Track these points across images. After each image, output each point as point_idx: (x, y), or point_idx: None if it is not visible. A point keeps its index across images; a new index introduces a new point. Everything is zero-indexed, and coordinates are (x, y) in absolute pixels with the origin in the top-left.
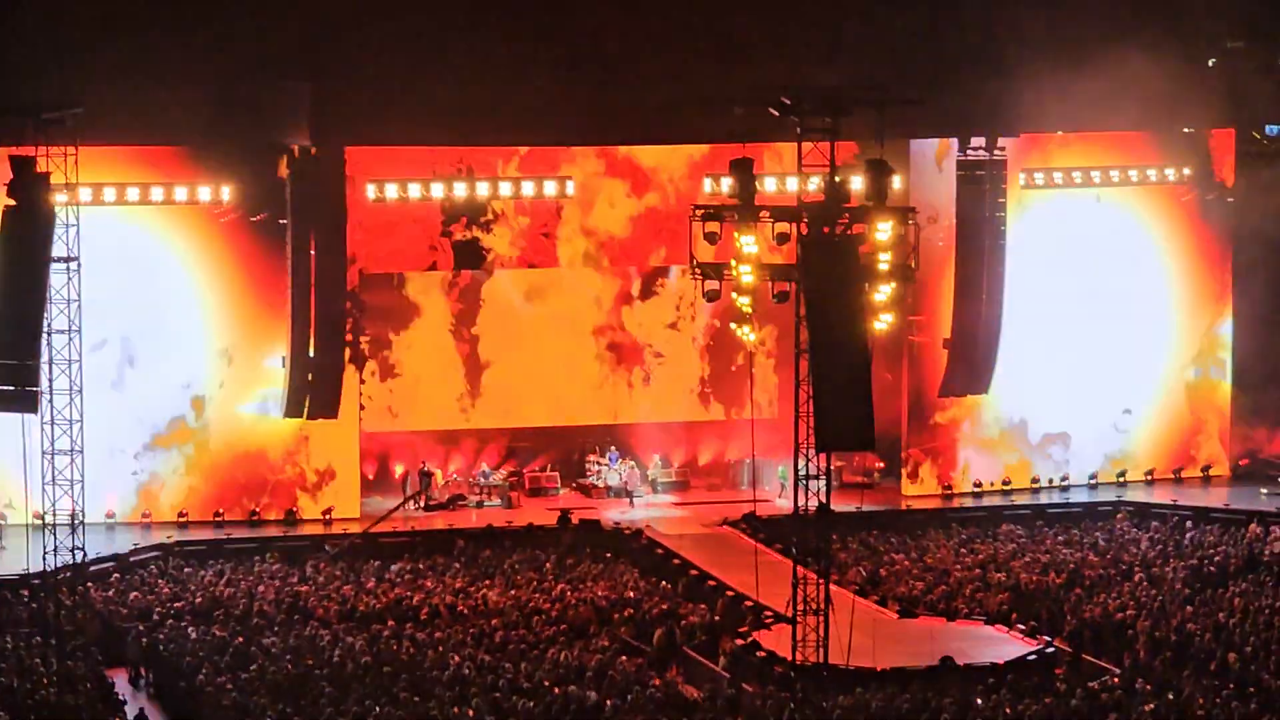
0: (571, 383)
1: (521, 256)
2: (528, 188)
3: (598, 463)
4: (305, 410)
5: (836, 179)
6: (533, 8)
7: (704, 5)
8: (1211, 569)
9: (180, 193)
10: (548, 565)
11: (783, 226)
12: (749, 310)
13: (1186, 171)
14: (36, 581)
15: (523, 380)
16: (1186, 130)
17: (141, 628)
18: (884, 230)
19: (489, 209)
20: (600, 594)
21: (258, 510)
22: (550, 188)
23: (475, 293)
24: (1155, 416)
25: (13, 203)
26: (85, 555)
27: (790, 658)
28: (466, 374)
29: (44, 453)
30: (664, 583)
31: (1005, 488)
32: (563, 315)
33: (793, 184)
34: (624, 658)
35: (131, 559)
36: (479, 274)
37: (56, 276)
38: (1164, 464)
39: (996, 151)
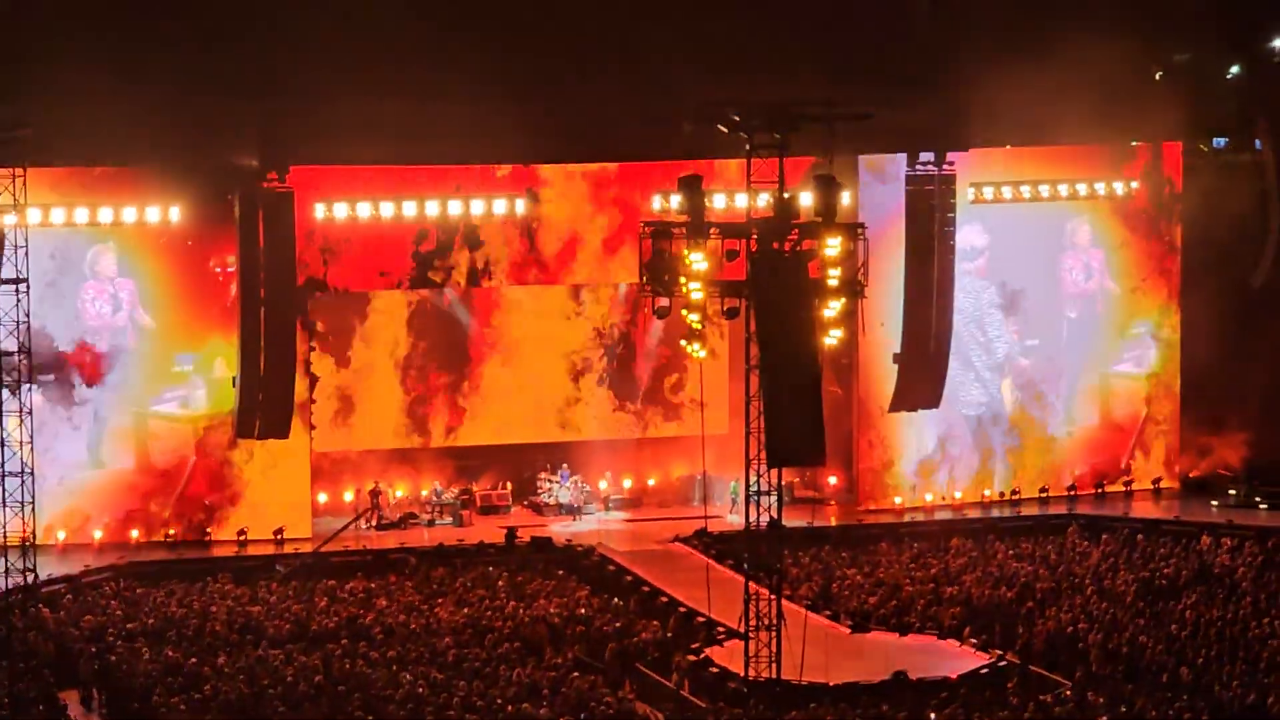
0: (523, 400)
1: (482, 274)
2: (477, 206)
3: (549, 480)
4: (257, 430)
5: (785, 195)
6: (484, 29)
7: (653, 25)
8: (1163, 581)
9: (129, 214)
10: (500, 583)
11: (732, 243)
12: (699, 326)
13: (1134, 184)
14: None
15: (477, 398)
16: (1134, 143)
17: (94, 649)
18: (833, 246)
19: (454, 228)
20: (553, 611)
21: (209, 531)
22: (500, 206)
23: (431, 311)
24: (1102, 428)
25: None
26: (37, 577)
27: (743, 674)
28: (418, 393)
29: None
30: (616, 600)
31: (957, 501)
32: (517, 333)
33: (742, 200)
34: (577, 675)
35: (83, 580)
36: (436, 292)
37: (5, 298)
38: (1112, 475)
39: (945, 166)
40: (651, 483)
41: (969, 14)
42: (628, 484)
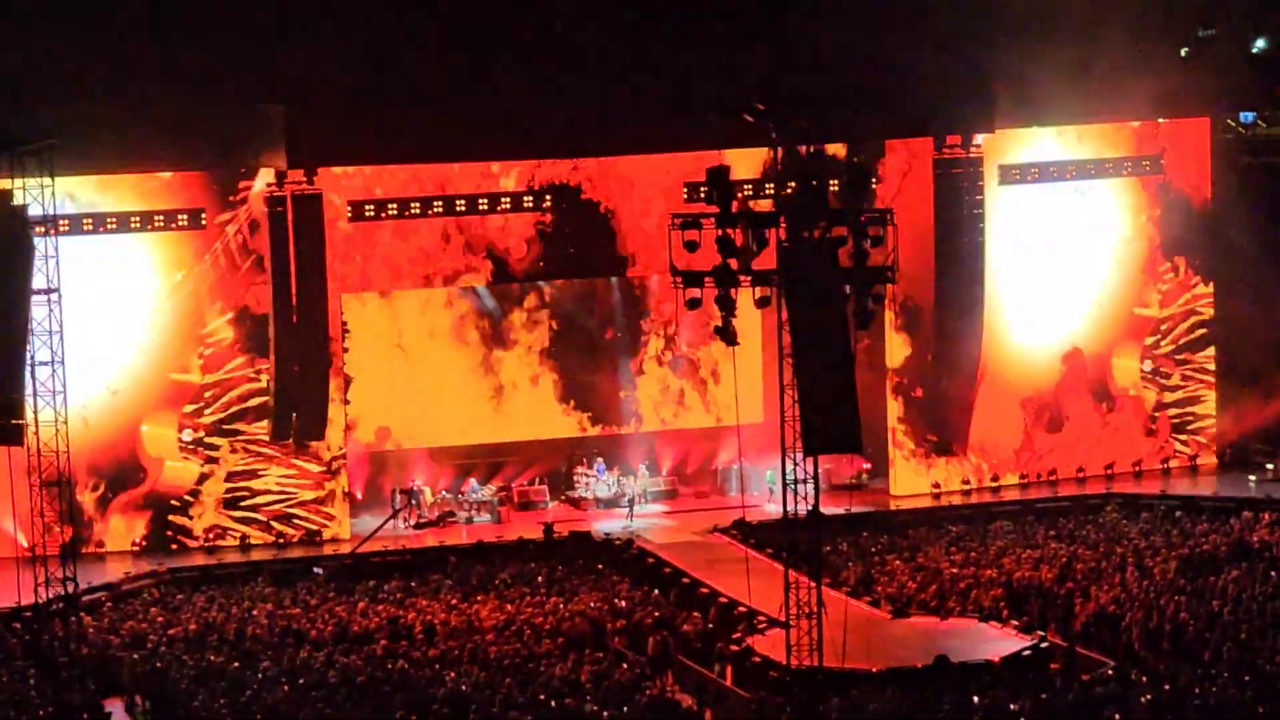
0: (555, 394)
1: (515, 269)
2: (506, 202)
3: (585, 474)
4: (293, 433)
5: (813, 182)
6: (501, 25)
7: (675, 14)
8: (1202, 558)
9: (158, 220)
10: (539, 579)
11: (762, 232)
12: (731, 316)
13: (1163, 161)
14: (29, 614)
15: (511, 394)
16: (1161, 120)
17: (136, 656)
18: (862, 232)
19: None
20: (593, 606)
21: (247, 535)
22: (529, 201)
23: (464, 308)
24: (1142, 408)
25: None
26: (77, 586)
27: (785, 662)
28: (457, 390)
29: (31, 485)
30: (656, 592)
31: (994, 484)
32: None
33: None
34: (619, 668)
35: (123, 588)
36: (470, 289)
37: (38, 309)
38: (1151, 455)
39: (973, 148)
40: (690, 469)
41: None
42: (664, 474)
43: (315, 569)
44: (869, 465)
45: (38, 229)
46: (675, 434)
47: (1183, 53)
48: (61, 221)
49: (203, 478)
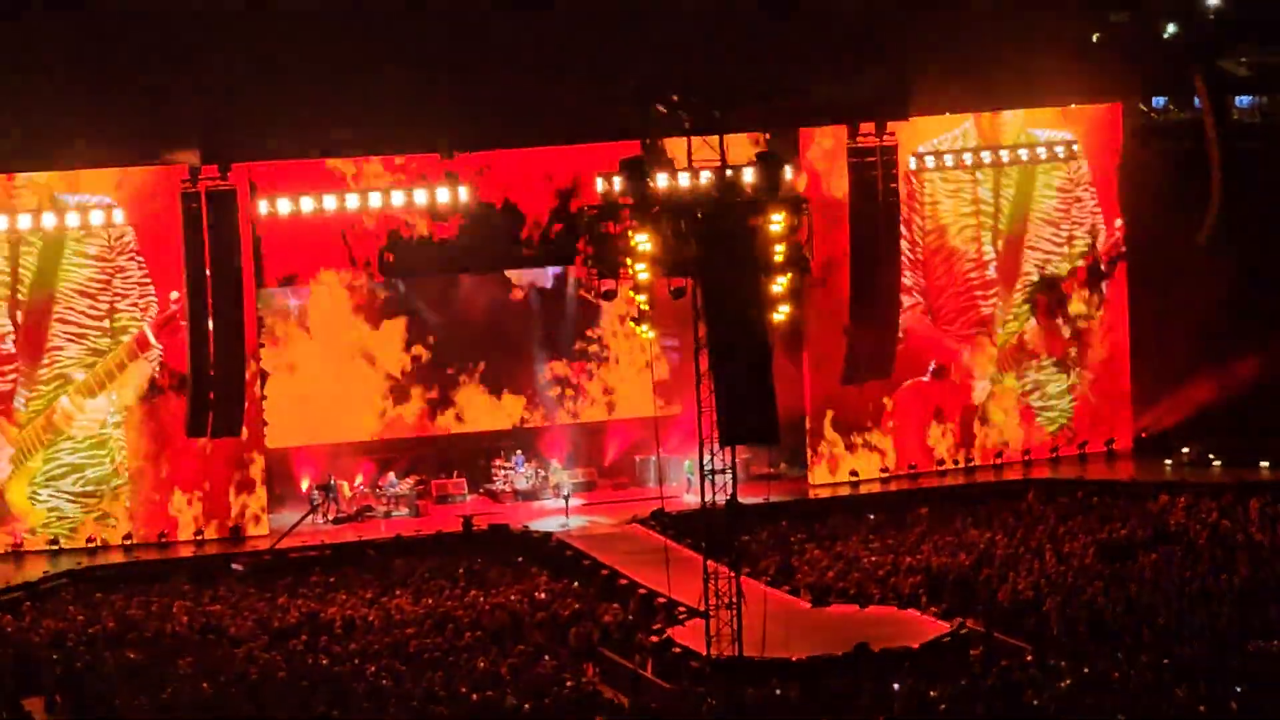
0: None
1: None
2: (420, 196)
3: (503, 467)
4: (209, 429)
5: (728, 173)
6: (419, 11)
7: (589, 6)
8: (1120, 543)
9: (72, 218)
10: (459, 572)
11: (677, 223)
12: (646, 307)
13: (1076, 147)
14: None
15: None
16: (1073, 106)
17: (55, 655)
18: (777, 222)
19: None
20: (513, 598)
21: (165, 532)
22: (443, 195)
23: (378, 301)
24: (1055, 392)
25: None
26: None
27: (705, 653)
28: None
29: None
30: (576, 583)
31: (912, 472)
32: (463, 319)
33: (684, 180)
34: (539, 661)
35: (42, 587)
36: (386, 282)
37: None
38: (1067, 440)
39: (886, 136)
40: (606, 465)
41: None
42: (581, 466)
43: (234, 565)
44: (786, 455)
45: None
46: (592, 426)
47: (1095, 37)
48: None
49: None
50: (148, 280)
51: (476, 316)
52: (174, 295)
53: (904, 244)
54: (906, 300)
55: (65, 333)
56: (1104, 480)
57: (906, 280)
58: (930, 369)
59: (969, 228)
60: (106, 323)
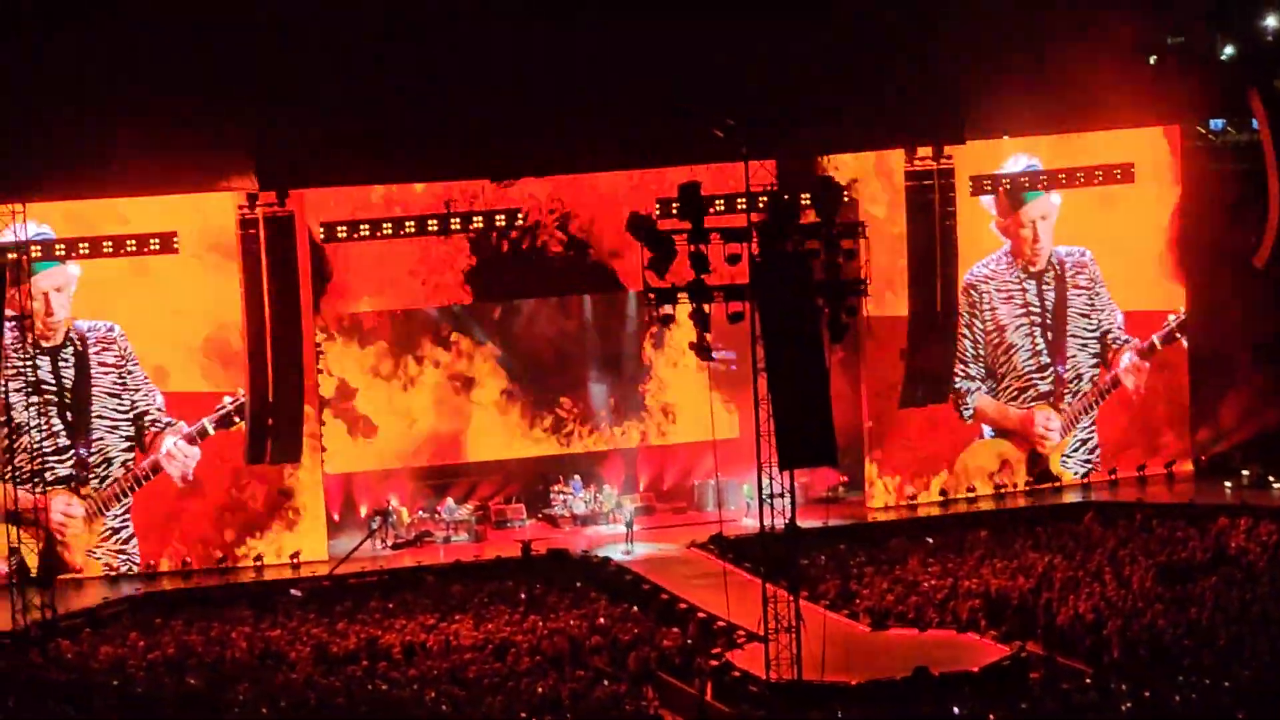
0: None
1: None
2: (478, 221)
3: (562, 491)
4: (268, 455)
5: (785, 197)
6: (469, 44)
7: (644, 33)
8: (1180, 565)
9: (130, 244)
10: (518, 598)
11: (734, 247)
12: (705, 332)
13: (1134, 169)
14: (7, 641)
15: (488, 413)
16: (1131, 129)
17: (115, 681)
18: (834, 245)
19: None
20: (572, 623)
21: (225, 557)
22: (500, 220)
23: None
24: (1116, 414)
25: None
26: (55, 612)
27: (764, 676)
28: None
29: (7, 510)
30: (635, 608)
31: (970, 494)
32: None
33: (741, 204)
34: (599, 686)
35: (101, 613)
36: (446, 308)
37: (11, 334)
38: (1126, 462)
39: (943, 160)
40: (665, 489)
41: (960, 6)
42: (640, 491)
43: (293, 591)
44: (845, 478)
45: (9, 255)
46: (651, 450)
47: (1151, 60)
48: (34, 247)
49: None
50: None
51: (535, 340)
52: (227, 400)
53: (967, 343)
54: (970, 384)
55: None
56: (1164, 503)
57: (971, 370)
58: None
59: (1023, 325)
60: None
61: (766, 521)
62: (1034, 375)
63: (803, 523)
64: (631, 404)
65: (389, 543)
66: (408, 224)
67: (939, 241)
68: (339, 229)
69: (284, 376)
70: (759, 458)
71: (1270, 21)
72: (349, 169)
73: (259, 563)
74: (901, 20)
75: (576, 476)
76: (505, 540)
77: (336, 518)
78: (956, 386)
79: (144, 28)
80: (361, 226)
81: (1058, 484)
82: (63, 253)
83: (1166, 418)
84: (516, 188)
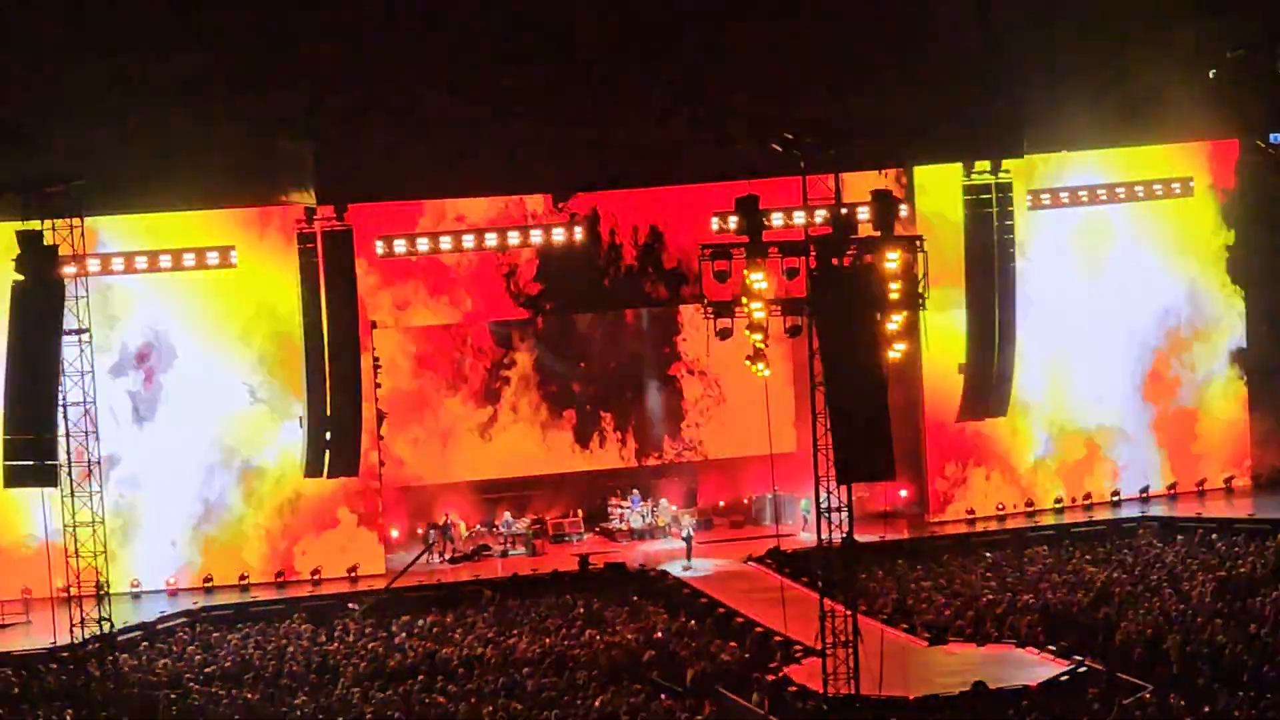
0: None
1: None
2: (536, 236)
3: (619, 506)
4: (325, 469)
5: (842, 210)
6: (534, 55)
7: (700, 46)
8: (1240, 580)
9: (188, 258)
10: (576, 611)
11: (791, 261)
12: (762, 346)
13: (1192, 183)
14: (65, 654)
15: (543, 427)
16: (1190, 143)
17: (173, 695)
18: (892, 259)
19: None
20: (630, 637)
21: (283, 572)
22: (558, 235)
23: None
24: (1175, 428)
25: (21, 278)
26: (113, 625)
27: (822, 691)
28: (489, 424)
29: (65, 525)
30: (692, 622)
31: (1029, 509)
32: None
33: (799, 218)
34: (660, 698)
35: (159, 626)
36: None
37: (68, 349)
38: (1185, 476)
39: (1001, 174)
40: (722, 504)
41: (1018, 21)
42: (697, 505)
43: (350, 604)
44: (906, 492)
45: (67, 269)
46: (708, 464)
47: (1211, 74)
48: (91, 261)
49: None
50: None
51: (592, 354)
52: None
53: None
54: None
55: None
56: (1223, 517)
57: None
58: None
59: None
60: None
61: (824, 535)
62: None
63: (860, 537)
64: (688, 418)
65: (446, 556)
66: (466, 238)
67: (997, 254)
68: (397, 242)
69: (342, 390)
70: (816, 472)
71: None
72: (407, 183)
73: (316, 576)
74: (964, 35)
75: (635, 490)
76: (562, 554)
77: (395, 532)
78: None
79: (206, 44)
80: (420, 240)
81: (1117, 498)
82: (121, 268)
83: (1226, 432)
84: (575, 202)
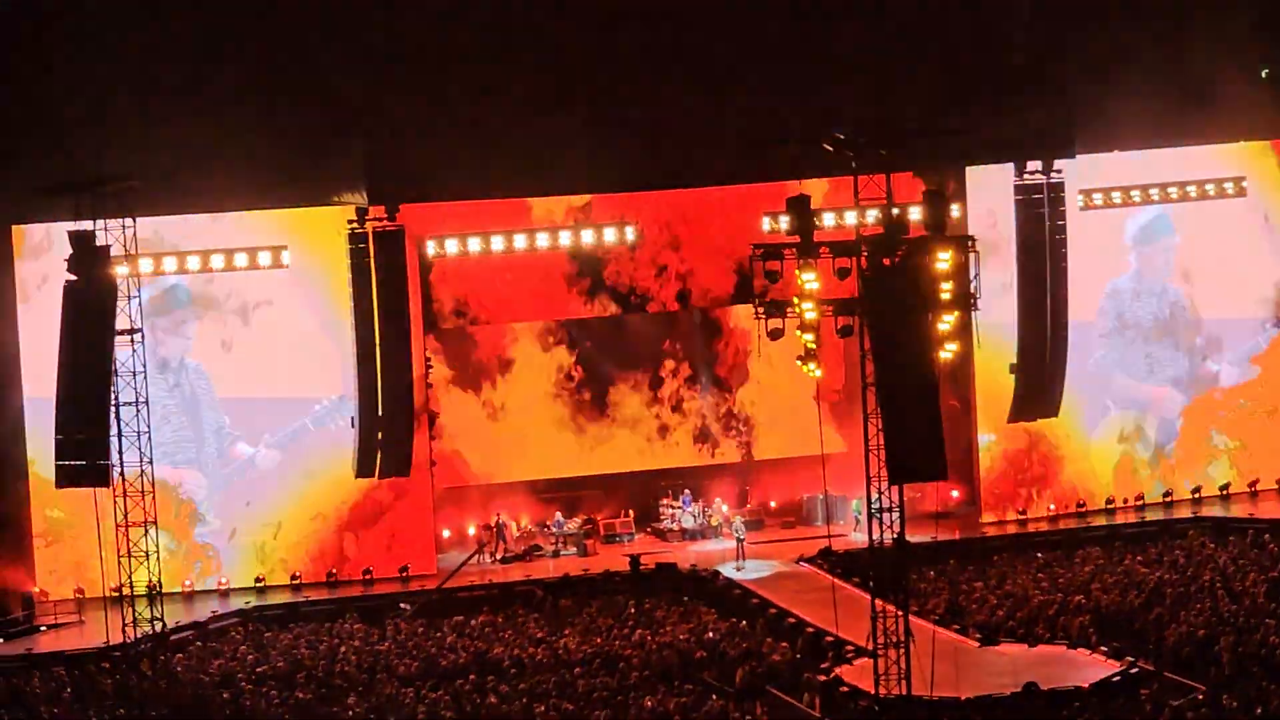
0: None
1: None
2: (587, 236)
3: (671, 506)
4: (377, 469)
5: (894, 210)
6: (577, 56)
7: (750, 45)
8: None
9: (240, 259)
10: (628, 611)
11: (843, 261)
12: (813, 346)
13: (1245, 182)
14: (118, 654)
15: (596, 427)
16: (1242, 142)
17: (225, 695)
18: (944, 260)
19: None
20: (681, 637)
21: (335, 572)
22: (610, 234)
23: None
24: (1229, 430)
25: (74, 278)
26: (165, 625)
27: (874, 691)
28: (540, 424)
29: (117, 525)
30: (743, 622)
31: (1080, 510)
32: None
33: (850, 218)
34: (711, 699)
35: (211, 626)
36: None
37: (121, 349)
38: (1239, 478)
39: (1053, 173)
40: (774, 504)
41: (1069, 20)
42: (749, 505)
43: (402, 605)
44: (957, 492)
45: (119, 269)
46: (759, 465)
47: (1264, 73)
48: (143, 260)
49: None
50: None
51: (643, 355)
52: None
53: None
54: None
55: None
56: (1276, 518)
57: None
58: None
59: None
60: None
61: (875, 536)
62: None
63: (912, 538)
64: (740, 418)
65: (498, 556)
66: (518, 237)
67: (1049, 255)
68: (448, 242)
69: (394, 391)
70: (868, 472)
71: None
72: (458, 184)
73: (368, 576)
74: (1017, 35)
75: (686, 491)
76: (613, 554)
77: (446, 533)
78: None
79: (258, 44)
80: (471, 240)
81: (1169, 498)
82: (173, 268)
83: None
84: (626, 202)
